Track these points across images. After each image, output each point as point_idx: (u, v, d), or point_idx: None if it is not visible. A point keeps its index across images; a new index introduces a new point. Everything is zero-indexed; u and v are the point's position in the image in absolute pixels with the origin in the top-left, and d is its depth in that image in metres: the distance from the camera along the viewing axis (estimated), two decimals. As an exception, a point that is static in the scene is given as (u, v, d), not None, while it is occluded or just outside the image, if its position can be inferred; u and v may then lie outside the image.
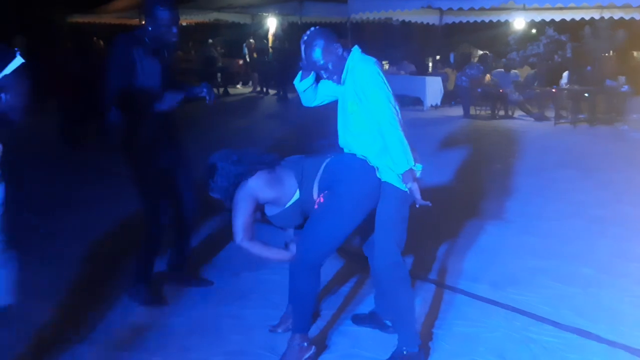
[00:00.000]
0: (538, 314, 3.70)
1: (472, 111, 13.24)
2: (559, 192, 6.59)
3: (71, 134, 9.58)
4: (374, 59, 3.05)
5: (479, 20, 17.06)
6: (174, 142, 3.93)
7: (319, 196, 3.08)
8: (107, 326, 3.61)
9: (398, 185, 2.99)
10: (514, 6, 14.40)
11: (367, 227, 3.17)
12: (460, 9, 14.37)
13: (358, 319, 3.63)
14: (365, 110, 2.97)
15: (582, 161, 8.23)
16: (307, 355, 3.14)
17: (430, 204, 2.95)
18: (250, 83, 19.83)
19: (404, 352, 3.12)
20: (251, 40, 19.66)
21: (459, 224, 5.39)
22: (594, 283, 4.14)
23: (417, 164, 2.94)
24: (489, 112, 13.17)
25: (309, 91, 3.21)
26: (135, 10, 17.51)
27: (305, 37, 3.05)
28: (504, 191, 6.61)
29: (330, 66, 3.03)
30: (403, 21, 17.14)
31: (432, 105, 14.23)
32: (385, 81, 2.97)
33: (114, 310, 3.82)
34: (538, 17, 16.19)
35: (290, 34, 18.18)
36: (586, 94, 11.73)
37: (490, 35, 18.19)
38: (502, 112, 13.12)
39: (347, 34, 14.57)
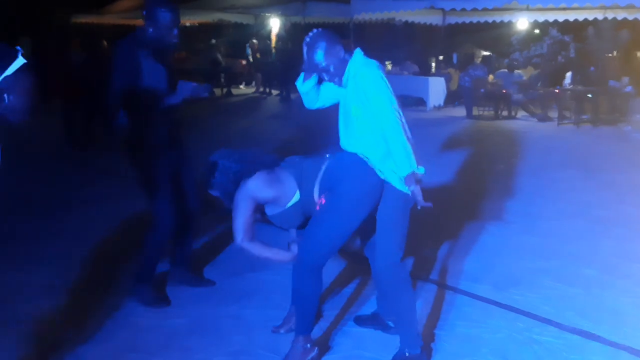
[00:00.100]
0: (540, 315, 3.69)
1: (475, 112, 13.23)
2: (561, 192, 6.58)
3: (76, 135, 9.60)
4: (376, 63, 3.06)
5: (482, 20, 17.06)
6: (177, 142, 3.93)
7: (320, 197, 3.08)
8: (109, 326, 3.62)
9: (400, 188, 2.99)
10: (517, 6, 14.39)
11: (368, 229, 3.17)
12: (463, 9, 14.38)
13: (361, 320, 3.63)
14: (368, 114, 2.97)
15: (585, 162, 8.22)
16: (310, 357, 3.14)
17: (431, 205, 2.95)
18: (253, 83, 19.85)
19: (406, 354, 3.12)
20: (254, 41, 19.66)
21: (461, 225, 5.39)
22: (597, 284, 4.14)
23: (419, 167, 2.94)
24: (492, 112, 13.16)
25: (311, 93, 3.21)
26: (139, 11, 17.49)
27: (308, 39, 3.05)
28: (507, 191, 6.61)
29: (331, 68, 3.03)
30: (406, 22, 17.13)
31: (435, 106, 14.22)
32: (388, 85, 2.97)
33: (116, 310, 3.82)
34: (541, 17, 16.18)
35: (293, 34, 18.19)
36: (589, 95, 11.72)
37: (494, 35, 18.20)
38: (505, 113, 13.11)
39: (349, 35, 14.58)
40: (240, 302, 3.94)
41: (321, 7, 17.04)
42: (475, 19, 17.01)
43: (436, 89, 14.27)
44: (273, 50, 18.78)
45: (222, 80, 18.17)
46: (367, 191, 3.03)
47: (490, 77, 13.64)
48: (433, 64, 17.53)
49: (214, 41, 20.04)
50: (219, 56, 18.83)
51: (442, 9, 16.08)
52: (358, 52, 3.09)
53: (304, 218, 3.18)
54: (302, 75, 3.17)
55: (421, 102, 14.23)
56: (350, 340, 3.44)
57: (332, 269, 4.34)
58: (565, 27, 15.41)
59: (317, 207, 3.08)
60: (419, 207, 3.02)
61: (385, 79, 2.98)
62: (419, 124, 11.58)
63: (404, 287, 3.14)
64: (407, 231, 3.11)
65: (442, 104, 14.40)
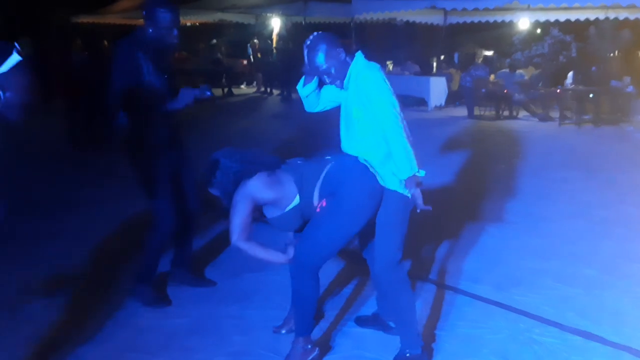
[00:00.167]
0: (541, 315, 3.69)
1: (476, 112, 13.23)
2: (562, 192, 6.58)
3: (77, 135, 9.60)
4: (378, 65, 3.06)
5: (483, 20, 17.04)
6: (176, 142, 3.93)
7: (320, 201, 3.08)
8: (110, 326, 3.62)
9: (400, 190, 2.99)
10: (518, 6, 14.37)
11: (367, 231, 3.17)
12: (465, 9, 14.36)
13: (361, 321, 3.63)
14: (370, 117, 2.97)
15: (586, 162, 8.21)
16: (310, 357, 3.14)
17: (430, 209, 2.96)
18: (254, 83, 19.85)
19: (407, 355, 3.13)
20: (255, 41, 19.68)
21: (461, 225, 5.38)
22: (598, 284, 4.13)
23: (420, 170, 2.94)
24: (494, 112, 13.16)
25: (312, 96, 3.21)
26: (140, 11, 17.49)
27: (308, 42, 3.05)
28: (508, 192, 6.60)
29: (333, 71, 3.03)
30: (407, 21, 17.12)
31: (436, 106, 14.22)
32: (390, 87, 2.97)
33: (116, 310, 3.83)
34: (543, 17, 16.17)
35: (294, 34, 18.19)
36: (591, 95, 11.71)
37: (495, 35, 18.19)
38: (506, 113, 13.10)
39: (351, 35, 14.58)
40: (240, 302, 3.94)
41: (322, 7, 17.03)
42: (476, 18, 16.99)
43: (437, 89, 14.27)
44: (274, 50, 18.79)
45: (223, 80, 18.17)
46: (368, 197, 3.03)
47: (492, 77, 13.64)
48: (434, 64, 17.52)
49: (214, 41, 20.04)
50: (220, 56, 18.84)
51: (444, 9, 16.05)
52: (359, 55, 3.09)
53: (303, 222, 3.18)
54: (302, 78, 3.17)
55: (422, 102, 14.23)
56: (350, 340, 3.44)
57: (332, 269, 4.34)
58: (567, 26, 15.40)
59: (318, 210, 3.08)
60: (418, 211, 3.03)
61: (387, 81, 2.98)
62: (420, 124, 11.58)
63: (402, 288, 3.14)
64: (406, 233, 3.11)
65: (443, 104, 14.40)
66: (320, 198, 3.08)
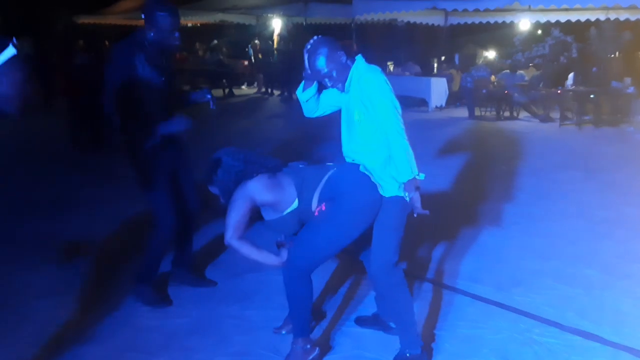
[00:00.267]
0: (541, 315, 3.69)
1: (477, 112, 13.22)
2: (563, 193, 6.58)
3: (78, 136, 9.61)
4: (379, 68, 3.06)
5: (484, 21, 17.07)
6: (176, 143, 3.93)
7: (319, 206, 3.08)
8: (110, 326, 3.63)
9: (398, 194, 2.99)
10: (519, 7, 14.38)
11: (364, 234, 3.17)
12: (466, 10, 14.36)
13: (362, 321, 3.63)
14: (372, 120, 2.97)
15: (586, 162, 8.21)
16: (310, 357, 3.15)
17: (428, 213, 2.97)
18: (255, 84, 19.86)
19: (407, 355, 3.13)
20: (256, 42, 19.69)
21: (462, 225, 5.39)
22: (598, 284, 4.14)
23: (420, 173, 2.94)
24: (494, 113, 13.15)
25: (312, 101, 3.21)
26: (141, 12, 17.52)
27: (309, 46, 3.04)
28: (508, 192, 6.60)
29: (334, 74, 3.03)
30: (408, 22, 17.12)
31: (437, 107, 14.22)
32: (391, 90, 2.98)
33: (117, 310, 3.83)
34: (543, 18, 16.19)
35: (295, 35, 18.19)
36: (591, 96, 11.70)
37: (496, 36, 18.18)
38: (507, 114, 13.10)
39: (351, 35, 14.58)
40: (241, 302, 3.95)
41: (323, 8, 17.04)
42: (477, 19, 17.02)
43: (438, 89, 14.26)
44: (275, 51, 18.80)
45: (224, 81, 18.19)
46: (367, 207, 3.03)
47: (492, 77, 13.63)
48: (435, 65, 17.52)
49: (215, 42, 20.05)
50: (221, 57, 18.84)
51: (444, 10, 16.07)
52: (360, 58, 3.09)
53: (300, 226, 3.18)
54: (302, 84, 3.17)
55: (423, 102, 14.22)
56: (351, 340, 3.45)
57: (332, 270, 4.35)
58: (568, 27, 15.40)
59: (316, 214, 3.08)
60: (415, 215, 3.03)
61: (388, 83, 2.99)
62: (421, 124, 11.60)
63: (400, 290, 3.14)
64: (403, 236, 3.11)
65: (444, 104, 14.38)
66: (319, 203, 3.09)
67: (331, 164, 3.26)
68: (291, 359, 3.14)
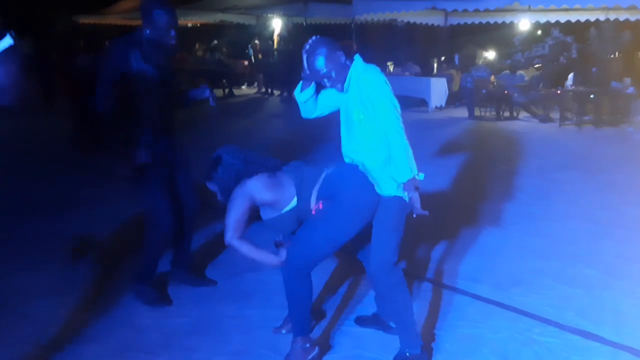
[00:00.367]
0: (541, 315, 3.69)
1: (476, 112, 13.23)
2: (562, 193, 6.58)
3: (79, 136, 9.60)
4: (377, 68, 3.05)
5: (484, 21, 17.06)
6: (172, 143, 3.93)
7: (316, 204, 3.08)
8: (110, 325, 3.62)
9: (397, 194, 2.99)
10: (519, 7, 14.38)
11: (363, 233, 3.17)
12: (465, 10, 14.35)
13: (362, 321, 3.63)
14: (371, 119, 2.97)
15: (586, 163, 8.21)
16: (310, 356, 3.15)
17: (427, 214, 2.96)
18: (255, 84, 19.86)
19: (407, 354, 3.13)
20: (256, 42, 19.68)
21: (461, 225, 5.39)
22: (598, 284, 4.13)
23: (419, 173, 2.94)
24: (494, 113, 13.16)
25: (309, 102, 3.20)
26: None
27: (307, 47, 3.04)
28: (508, 192, 6.60)
29: (333, 74, 3.02)
30: (408, 22, 17.11)
31: (436, 107, 14.22)
32: (390, 89, 2.98)
33: (117, 309, 3.83)
34: (543, 18, 16.18)
35: (295, 35, 18.19)
36: (591, 96, 11.70)
37: (496, 36, 18.18)
38: (507, 114, 13.10)
39: (351, 35, 14.58)
40: (241, 301, 3.95)
41: (323, 8, 17.03)
42: (477, 19, 17.01)
43: (438, 89, 14.27)
44: (275, 52, 18.80)
45: (224, 81, 18.18)
46: (365, 206, 3.04)
47: (492, 78, 13.64)
48: (435, 65, 17.52)
49: (215, 42, 20.05)
50: (221, 57, 18.84)
51: (444, 10, 16.07)
52: (358, 58, 3.08)
53: (298, 225, 3.18)
54: (300, 84, 3.17)
55: (423, 102, 14.23)
56: (350, 340, 3.45)
57: (332, 269, 4.35)
58: (567, 28, 15.40)
59: (313, 212, 3.08)
60: (414, 216, 3.02)
61: (387, 83, 2.98)
62: (421, 124, 11.60)
63: (399, 289, 3.14)
64: (402, 236, 3.11)
65: (443, 104, 14.39)
66: (317, 201, 3.09)
67: (329, 163, 3.26)
68: (291, 358, 3.14)
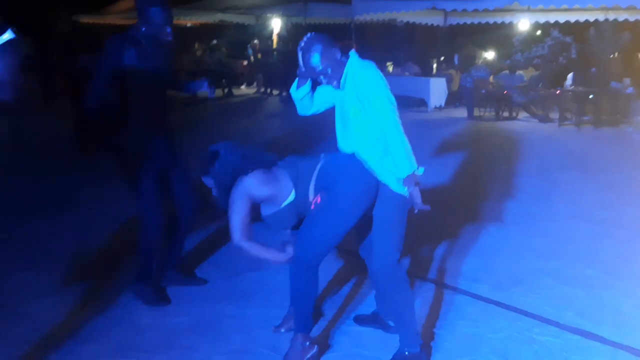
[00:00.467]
0: (541, 314, 3.69)
1: (476, 112, 13.23)
2: (562, 193, 6.58)
3: (79, 136, 9.57)
4: (373, 64, 3.05)
5: (483, 21, 17.07)
6: (168, 142, 3.92)
7: (315, 197, 3.09)
8: (109, 325, 3.62)
9: (397, 190, 2.99)
10: (518, 7, 14.39)
11: (364, 230, 3.17)
12: (465, 10, 14.37)
13: (361, 320, 3.62)
14: (367, 115, 2.96)
15: (585, 163, 8.22)
16: (309, 355, 3.15)
17: (429, 208, 2.95)
18: (255, 84, 19.86)
19: (406, 353, 3.13)
20: (255, 42, 19.68)
21: (461, 225, 5.39)
22: (597, 284, 4.13)
23: (419, 167, 2.93)
24: (493, 113, 13.16)
25: (305, 99, 3.20)
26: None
27: (303, 44, 3.03)
28: (508, 192, 6.60)
29: (329, 71, 3.01)
30: (407, 22, 17.12)
31: (436, 107, 14.23)
32: (387, 85, 2.97)
33: (116, 309, 3.83)
34: (543, 18, 16.19)
35: (295, 35, 18.19)
36: (591, 96, 11.71)
37: (495, 36, 18.19)
38: (506, 114, 13.11)
39: (351, 35, 14.58)
40: (240, 301, 3.94)
41: (322, 8, 17.04)
42: (476, 20, 17.01)
43: (437, 89, 14.27)
44: (274, 51, 18.80)
45: (224, 80, 18.18)
46: (363, 191, 3.03)
47: (491, 78, 13.64)
48: (434, 65, 17.52)
49: (215, 41, 20.04)
50: (221, 57, 18.85)
51: (444, 10, 16.07)
52: (353, 54, 3.08)
53: (298, 219, 3.18)
54: (296, 81, 3.16)
55: (422, 102, 14.23)
56: (350, 338, 3.44)
57: (332, 268, 4.35)
58: (567, 28, 15.40)
59: (312, 206, 3.08)
60: (415, 211, 3.02)
61: (383, 78, 2.98)
62: (420, 124, 11.60)
63: (401, 287, 3.14)
64: (404, 233, 3.10)
65: (443, 104, 14.40)
66: (316, 193, 3.09)
67: (323, 154, 3.25)
68: (290, 357, 3.14)
